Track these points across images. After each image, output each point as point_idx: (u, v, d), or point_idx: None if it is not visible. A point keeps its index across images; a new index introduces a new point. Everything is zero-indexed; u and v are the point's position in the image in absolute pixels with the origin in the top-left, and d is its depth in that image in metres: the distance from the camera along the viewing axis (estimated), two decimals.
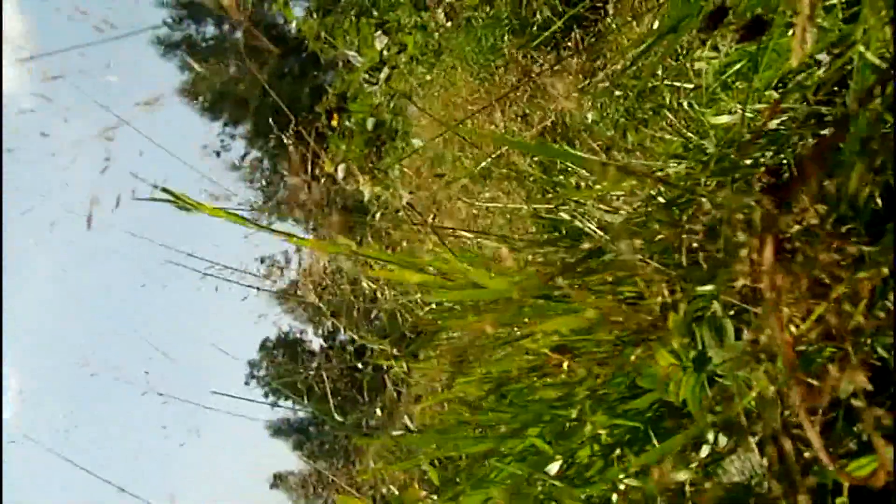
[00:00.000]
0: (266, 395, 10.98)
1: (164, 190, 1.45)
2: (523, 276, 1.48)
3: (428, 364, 2.25)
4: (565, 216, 1.86)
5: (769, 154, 1.53)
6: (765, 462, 1.22)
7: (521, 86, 3.78)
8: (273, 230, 1.63)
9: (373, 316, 5.28)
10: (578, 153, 1.51)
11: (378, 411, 6.69)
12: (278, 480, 9.77)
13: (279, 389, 10.60)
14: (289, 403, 10.60)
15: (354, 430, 7.28)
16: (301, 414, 10.55)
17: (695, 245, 1.34)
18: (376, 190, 6.16)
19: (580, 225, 1.76)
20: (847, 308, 1.11)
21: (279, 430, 11.21)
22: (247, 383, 11.09)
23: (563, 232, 1.80)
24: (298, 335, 11.18)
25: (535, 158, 3.21)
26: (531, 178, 2.99)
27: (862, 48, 1.21)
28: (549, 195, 2.25)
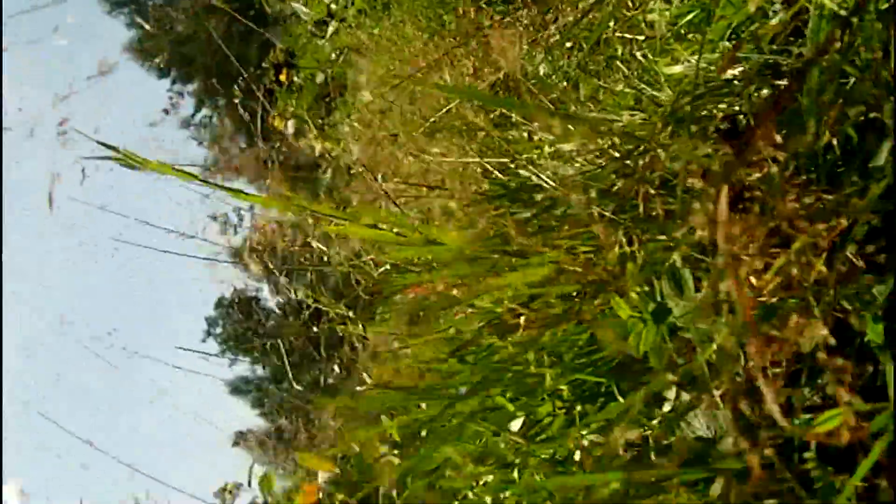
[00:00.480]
0: (223, 353, 10.92)
1: (110, 147, 1.42)
2: (479, 231, 1.47)
3: (383, 326, 2.25)
4: (519, 171, 1.84)
5: (724, 105, 1.52)
6: (729, 416, 1.22)
7: (470, 40, 3.75)
8: (222, 187, 1.59)
9: (328, 274, 5.26)
10: (528, 104, 1.49)
11: (336, 368, 6.69)
12: (240, 438, 9.74)
13: (236, 348, 10.55)
14: (247, 361, 10.57)
15: (312, 388, 7.28)
16: (259, 371, 10.52)
17: (651, 195, 1.33)
18: (326, 145, 6.11)
19: (534, 179, 1.74)
20: (808, 259, 1.10)
21: (237, 388, 11.15)
22: (204, 341, 11.02)
23: (517, 186, 1.78)
24: (254, 292, 11.10)
25: (489, 115, 3.18)
26: (483, 133, 2.97)
27: None
28: (502, 150, 2.23)
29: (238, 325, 10.23)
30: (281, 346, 6.27)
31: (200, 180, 1.50)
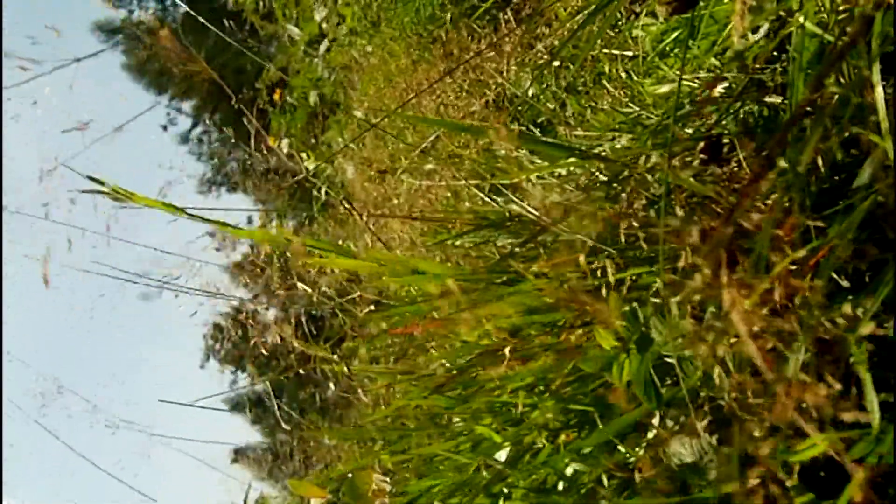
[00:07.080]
0: (223, 371, 10.91)
1: (94, 180, 1.43)
2: (464, 263, 1.45)
3: (369, 368, 2.23)
4: (504, 199, 1.83)
5: (710, 122, 1.50)
6: (714, 442, 1.20)
7: (459, 64, 3.72)
8: (206, 220, 1.58)
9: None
10: (516, 130, 1.47)
11: (332, 385, 6.67)
12: (238, 455, 9.74)
13: (236, 365, 10.54)
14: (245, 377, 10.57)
15: (309, 404, 7.27)
16: (259, 388, 10.50)
17: (635, 224, 1.31)
18: (320, 164, 6.10)
19: (517, 208, 1.72)
20: (791, 282, 1.08)
21: (237, 404, 11.13)
22: (202, 367, 11.02)
23: (503, 214, 1.76)
24: (252, 308, 11.07)
25: (478, 140, 3.16)
26: (472, 157, 2.94)
27: (801, 19, 1.17)
28: (490, 173, 2.21)
29: (236, 342, 10.21)
30: (281, 361, 6.26)
31: (188, 214, 1.50)
